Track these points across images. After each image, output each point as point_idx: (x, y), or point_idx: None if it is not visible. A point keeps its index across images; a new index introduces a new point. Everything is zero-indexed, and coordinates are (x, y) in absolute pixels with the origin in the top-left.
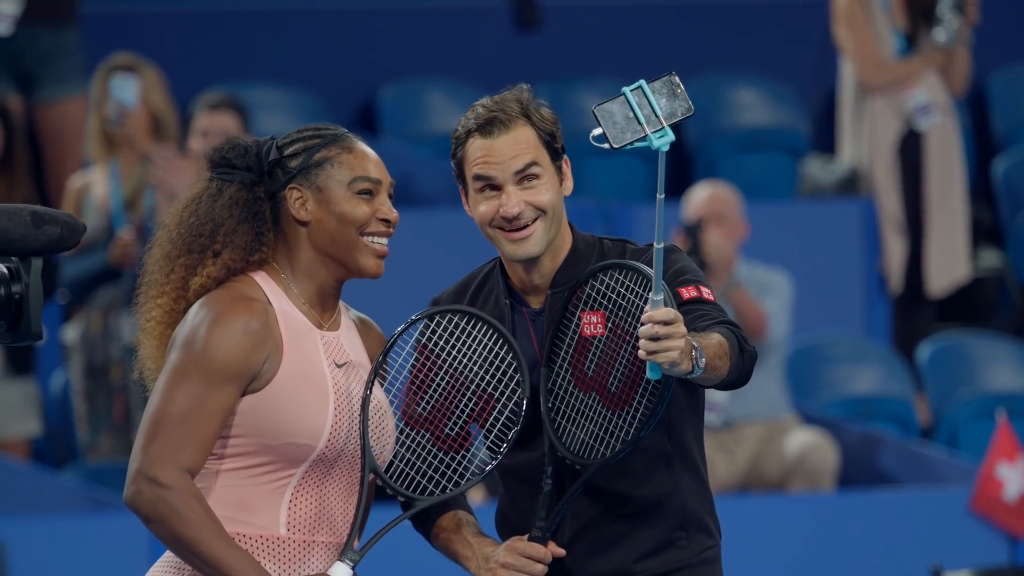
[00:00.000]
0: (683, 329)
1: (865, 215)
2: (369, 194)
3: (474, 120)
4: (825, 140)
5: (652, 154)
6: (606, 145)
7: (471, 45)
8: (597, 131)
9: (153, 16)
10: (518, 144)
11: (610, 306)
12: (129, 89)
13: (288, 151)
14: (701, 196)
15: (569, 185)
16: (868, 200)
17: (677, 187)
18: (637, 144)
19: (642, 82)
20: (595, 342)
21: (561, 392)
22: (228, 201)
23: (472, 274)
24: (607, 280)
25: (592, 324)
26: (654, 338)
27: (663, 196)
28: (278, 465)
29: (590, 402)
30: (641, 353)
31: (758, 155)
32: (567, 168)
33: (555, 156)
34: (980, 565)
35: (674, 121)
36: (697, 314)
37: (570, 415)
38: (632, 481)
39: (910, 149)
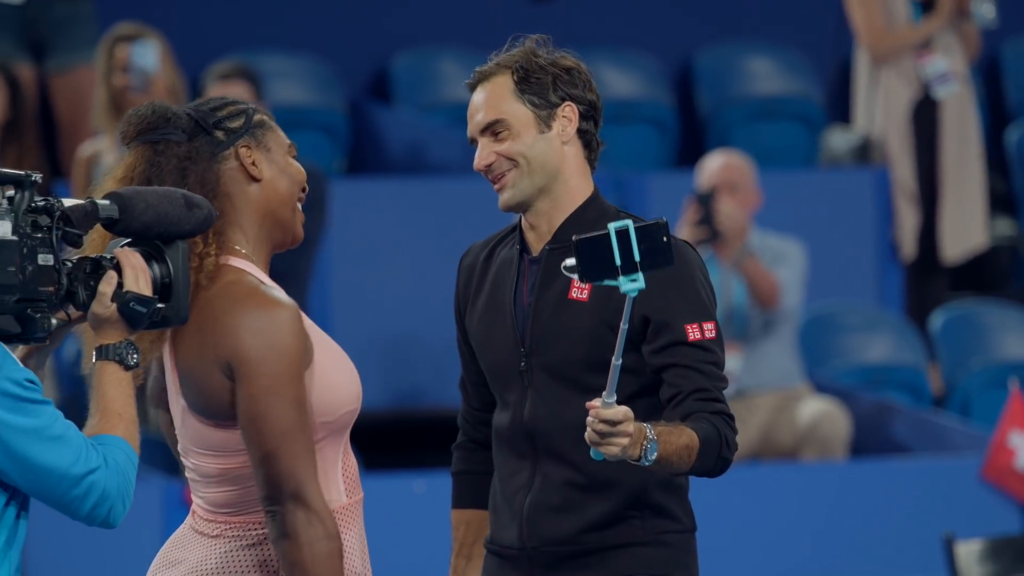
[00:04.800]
0: (631, 428)
1: (879, 184)
2: None
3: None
4: (842, 109)
5: (666, 125)
6: (575, 276)
7: (486, 14)
8: (570, 261)
9: None
10: (488, 96)
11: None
12: (150, 55)
13: (224, 113)
14: (714, 165)
15: (570, 131)
16: (881, 169)
17: (691, 156)
18: (607, 283)
19: (629, 223)
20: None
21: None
22: (176, 167)
23: (510, 224)
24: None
25: (579, 288)
26: (600, 433)
27: (619, 362)
28: (335, 437)
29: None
30: (586, 436)
31: (772, 124)
32: (571, 113)
33: (545, 103)
34: (992, 534)
35: (649, 272)
36: (694, 389)
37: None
38: (589, 452)
39: (924, 117)
